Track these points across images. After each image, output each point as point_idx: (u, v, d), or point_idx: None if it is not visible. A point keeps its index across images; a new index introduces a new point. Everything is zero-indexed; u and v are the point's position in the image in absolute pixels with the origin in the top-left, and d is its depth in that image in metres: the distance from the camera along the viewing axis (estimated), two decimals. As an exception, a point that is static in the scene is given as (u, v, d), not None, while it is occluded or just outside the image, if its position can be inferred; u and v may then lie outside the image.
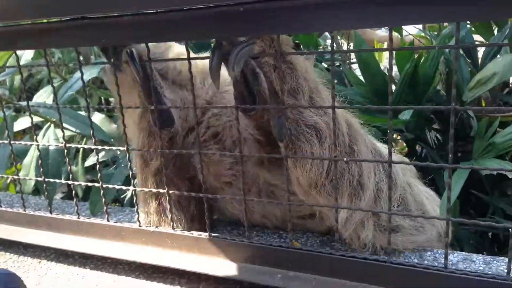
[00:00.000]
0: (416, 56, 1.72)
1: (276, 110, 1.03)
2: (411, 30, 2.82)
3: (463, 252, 1.15)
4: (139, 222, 1.19)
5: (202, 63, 1.38)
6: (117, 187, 1.26)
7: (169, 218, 1.16)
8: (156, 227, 1.20)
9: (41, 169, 1.32)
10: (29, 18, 1.05)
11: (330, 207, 0.98)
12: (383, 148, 1.23)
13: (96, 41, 1.06)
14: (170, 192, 1.13)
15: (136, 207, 1.21)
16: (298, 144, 1.02)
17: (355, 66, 2.64)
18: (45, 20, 1.07)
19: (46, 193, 1.35)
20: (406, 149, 2.03)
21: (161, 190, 1.15)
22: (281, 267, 1.03)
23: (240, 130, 1.01)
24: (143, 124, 1.23)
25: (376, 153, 1.19)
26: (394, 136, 2.12)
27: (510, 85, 2.05)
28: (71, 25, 1.04)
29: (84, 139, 2.11)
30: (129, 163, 1.17)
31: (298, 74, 0.98)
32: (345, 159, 0.92)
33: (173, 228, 1.15)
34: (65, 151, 1.24)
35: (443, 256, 1.14)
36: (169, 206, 1.17)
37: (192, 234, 1.13)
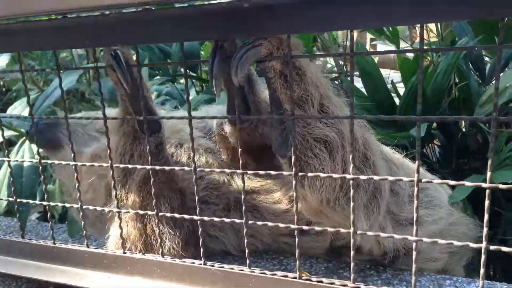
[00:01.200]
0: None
1: (278, 122, 0.92)
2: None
3: (487, 281, 1.04)
4: (124, 248, 1.06)
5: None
6: (98, 208, 1.12)
7: (159, 242, 1.02)
8: (143, 253, 1.06)
9: (13, 188, 1.18)
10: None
11: (347, 231, 0.85)
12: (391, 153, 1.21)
13: (78, 43, 0.94)
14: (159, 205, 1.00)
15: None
16: (305, 160, 0.91)
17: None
18: (21, 19, 0.95)
19: (18, 214, 1.21)
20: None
21: (145, 213, 1.01)
22: (287, 300, 0.90)
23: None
24: (126, 129, 1.10)
25: (386, 156, 1.13)
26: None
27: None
28: (50, 26, 0.92)
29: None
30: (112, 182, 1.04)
31: (307, 81, 0.87)
32: (362, 177, 0.80)
33: (163, 255, 1.02)
34: (40, 167, 1.10)
35: (464, 285, 1.04)
36: (158, 229, 1.04)
37: (184, 262, 0.99)
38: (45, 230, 1.50)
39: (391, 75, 2.79)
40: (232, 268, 0.94)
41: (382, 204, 1.01)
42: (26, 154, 1.66)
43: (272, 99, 0.91)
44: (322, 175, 0.82)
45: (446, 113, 1.70)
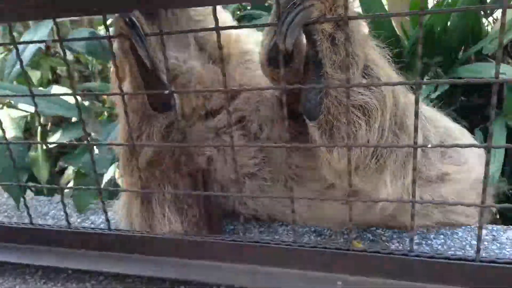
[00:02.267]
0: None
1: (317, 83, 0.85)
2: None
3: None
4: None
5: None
6: (110, 188, 1.04)
7: (159, 221, 0.97)
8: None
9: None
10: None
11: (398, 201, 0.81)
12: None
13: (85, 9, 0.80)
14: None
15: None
16: (336, 125, 0.83)
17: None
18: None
19: (22, 200, 1.10)
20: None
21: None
22: (340, 272, 0.87)
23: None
24: (135, 105, 1.00)
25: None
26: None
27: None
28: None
29: (41, 118, 1.80)
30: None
31: (355, 44, 0.79)
32: (429, 145, 0.75)
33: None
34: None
35: (501, 233, 1.05)
36: (158, 208, 0.98)
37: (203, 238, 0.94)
38: (43, 206, 1.39)
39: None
40: (279, 244, 0.90)
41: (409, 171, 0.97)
42: (8, 122, 1.51)
43: (311, 60, 0.83)
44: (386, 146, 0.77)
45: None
